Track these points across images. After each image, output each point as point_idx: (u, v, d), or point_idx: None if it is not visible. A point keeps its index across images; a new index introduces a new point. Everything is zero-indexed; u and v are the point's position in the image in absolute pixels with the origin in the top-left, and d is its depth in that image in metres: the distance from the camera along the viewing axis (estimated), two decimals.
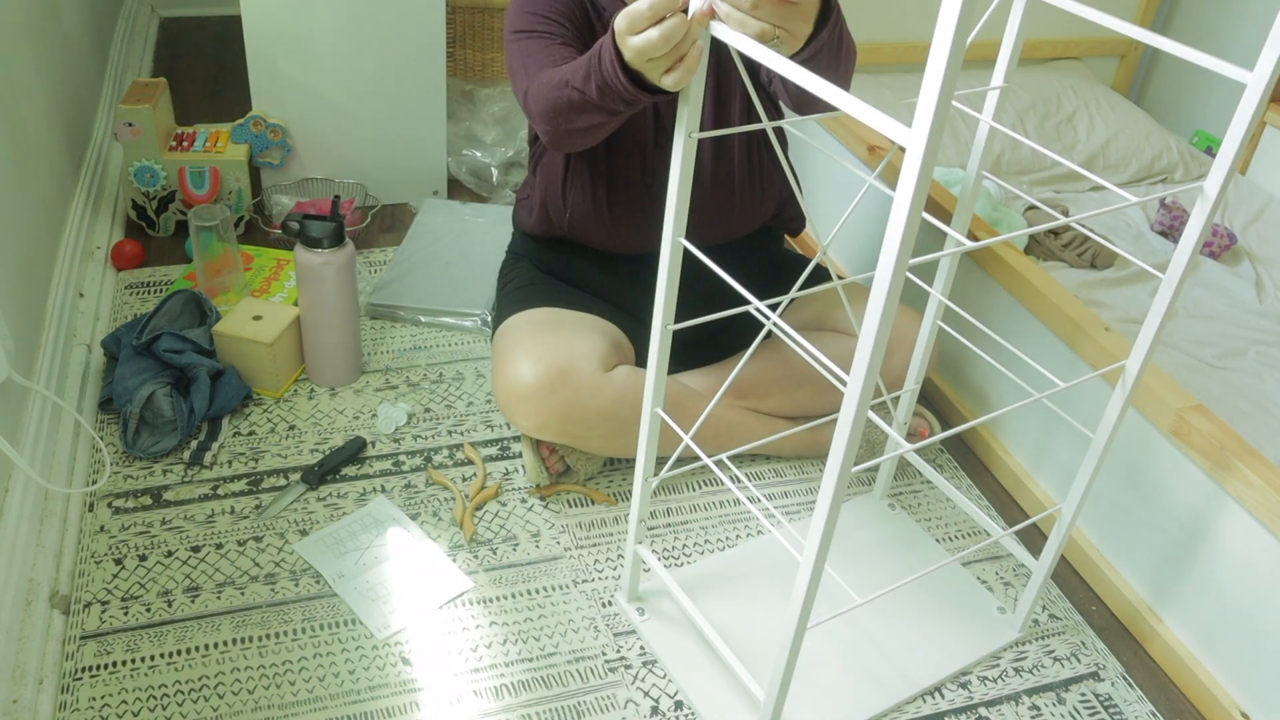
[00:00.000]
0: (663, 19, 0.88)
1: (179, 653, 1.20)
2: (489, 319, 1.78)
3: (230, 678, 1.18)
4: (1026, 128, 2.39)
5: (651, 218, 1.42)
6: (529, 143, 1.54)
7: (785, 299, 1.01)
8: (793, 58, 1.01)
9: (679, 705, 1.20)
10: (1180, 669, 1.28)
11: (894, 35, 2.43)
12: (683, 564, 1.38)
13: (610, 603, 1.32)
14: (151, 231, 1.95)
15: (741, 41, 0.83)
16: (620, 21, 0.93)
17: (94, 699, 1.14)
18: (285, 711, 1.15)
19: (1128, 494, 1.36)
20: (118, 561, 1.30)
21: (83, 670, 1.17)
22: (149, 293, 1.80)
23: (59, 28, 1.94)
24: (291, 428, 1.54)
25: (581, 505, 1.46)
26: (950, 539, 1.47)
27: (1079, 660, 1.31)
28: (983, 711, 1.23)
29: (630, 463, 1.53)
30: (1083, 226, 1.72)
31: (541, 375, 1.35)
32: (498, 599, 1.31)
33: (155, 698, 1.15)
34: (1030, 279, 1.50)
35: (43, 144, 1.68)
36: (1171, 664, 1.30)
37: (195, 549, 1.33)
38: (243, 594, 1.28)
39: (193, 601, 1.26)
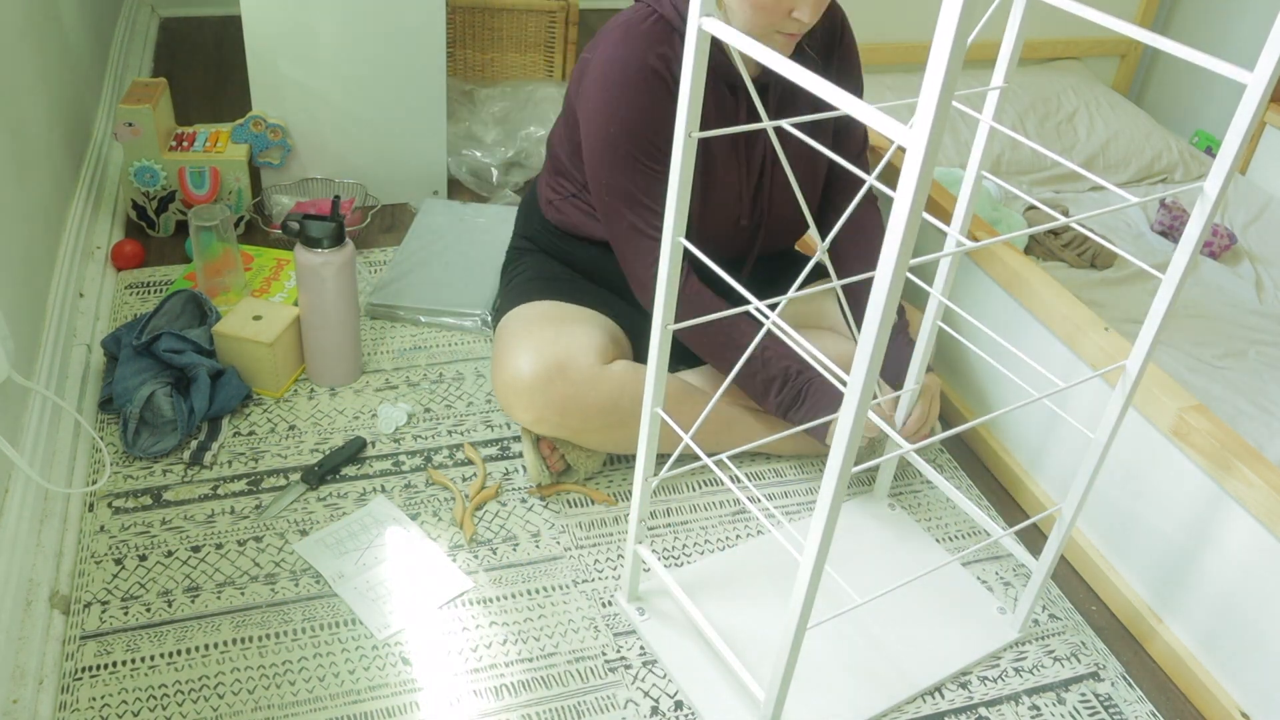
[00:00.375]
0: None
1: (179, 653, 1.20)
2: (489, 319, 1.78)
3: (230, 678, 1.18)
4: (1026, 128, 2.39)
5: (734, 241, 1.49)
6: (564, 155, 1.52)
7: (783, 299, 1.01)
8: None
9: (679, 705, 1.20)
10: (1180, 669, 1.28)
11: (894, 35, 2.43)
12: (682, 564, 1.38)
13: (610, 603, 1.32)
14: (151, 231, 1.95)
15: (745, 43, 0.84)
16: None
17: (94, 699, 1.14)
18: (285, 711, 1.15)
19: (1127, 494, 1.36)
20: (118, 561, 1.30)
21: (83, 670, 1.17)
22: (149, 293, 1.80)
23: (59, 28, 1.94)
24: (291, 428, 1.54)
25: (581, 505, 1.46)
26: (950, 539, 1.47)
27: (1079, 660, 1.31)
28: (983, 711, 1.23)
29: (630, 460, 1.53)
30: (1082, 227, 1.72)
31: (539, 368, 1.36)
32: (498, 599, 1.31)
33: (155, 698, 1.15)
34: (1030, 279, 1.50)
35: (43, 144, 1.68)
36: (1171, 664, 1.30)
37: (195, 549, 1.33)
38: (243, 594, 1.28)
39: (193, 601, 1.26)
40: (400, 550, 1.36)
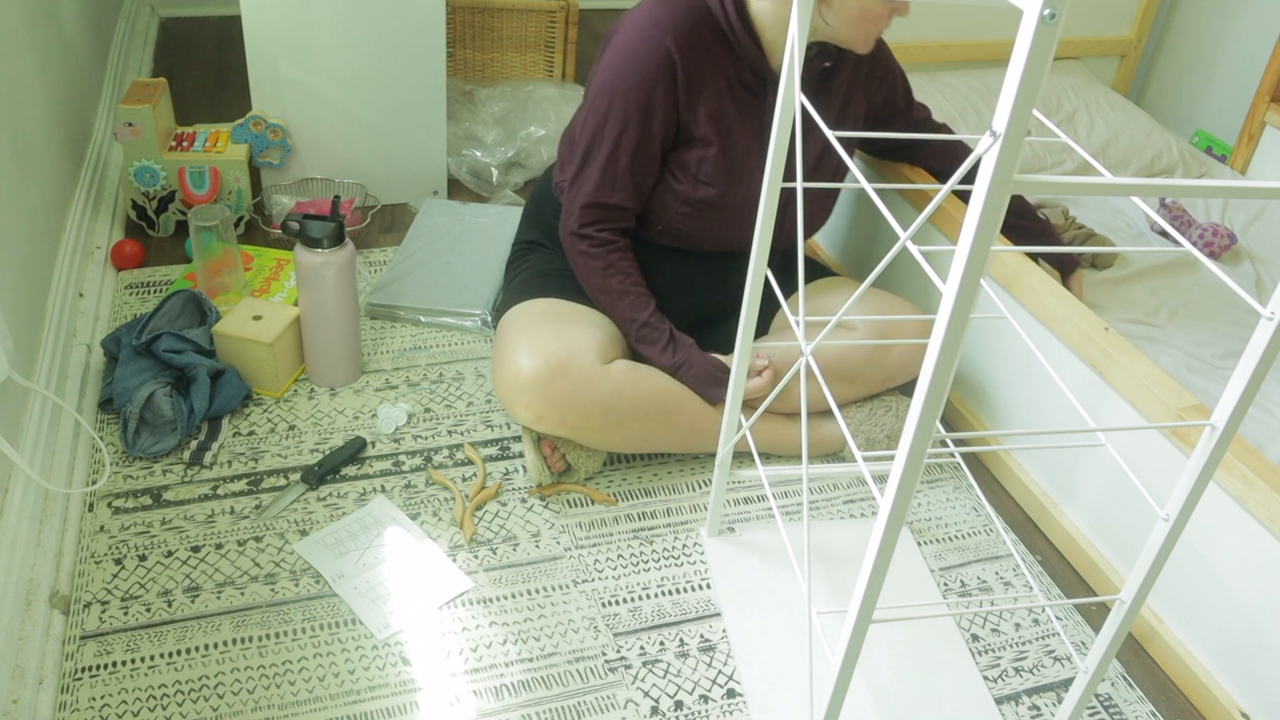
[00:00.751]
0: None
1: (179, 653, 1.20)
2: (489, 319, 1.78)
3: (230, 678, 1.18)
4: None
5: (747, 227, 1.50)
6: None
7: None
8: None
9: (679, 705, 1.20)
10: (1180, 669, 1.28)
11: (895, 36, 2.43)
12: (682, 564, 1.38)
13: (610, 603, 1.32)
14: (151, 231, 1.95)
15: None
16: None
17: (94, 699, 1.14)
18: (285, 711, 1.15)
19: (1127, 494, 1.36)
20: (118, 561, 1.30)
21: (83, 670, 1.17)
22: (149, 293, 1.80)
23: (59, 28, 1.94)
24: (291, 428, 1.54)
25: (581, 505, 1.46)
26: (951, 539, 1.47)
27: (1079, 660, 1.30)
28: None
29: (630, 460, 1.54)
30: (1084, 228, 1.72)
31: (540, 366, 1.36)
32: (498, 599, 1.31)
33: (155, 698, 1.15)
34: (1030, 279, 1.50)
35: (43, 144, 1.68)
36: (1171, 664, 1.30)
37: (195, 549, 1.33)
38: (243, 594, 1.28)
39: (193, 601, 1.26)
40: (400, 550, 1.36)
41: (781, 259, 1.64)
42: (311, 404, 1.59)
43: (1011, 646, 1.31)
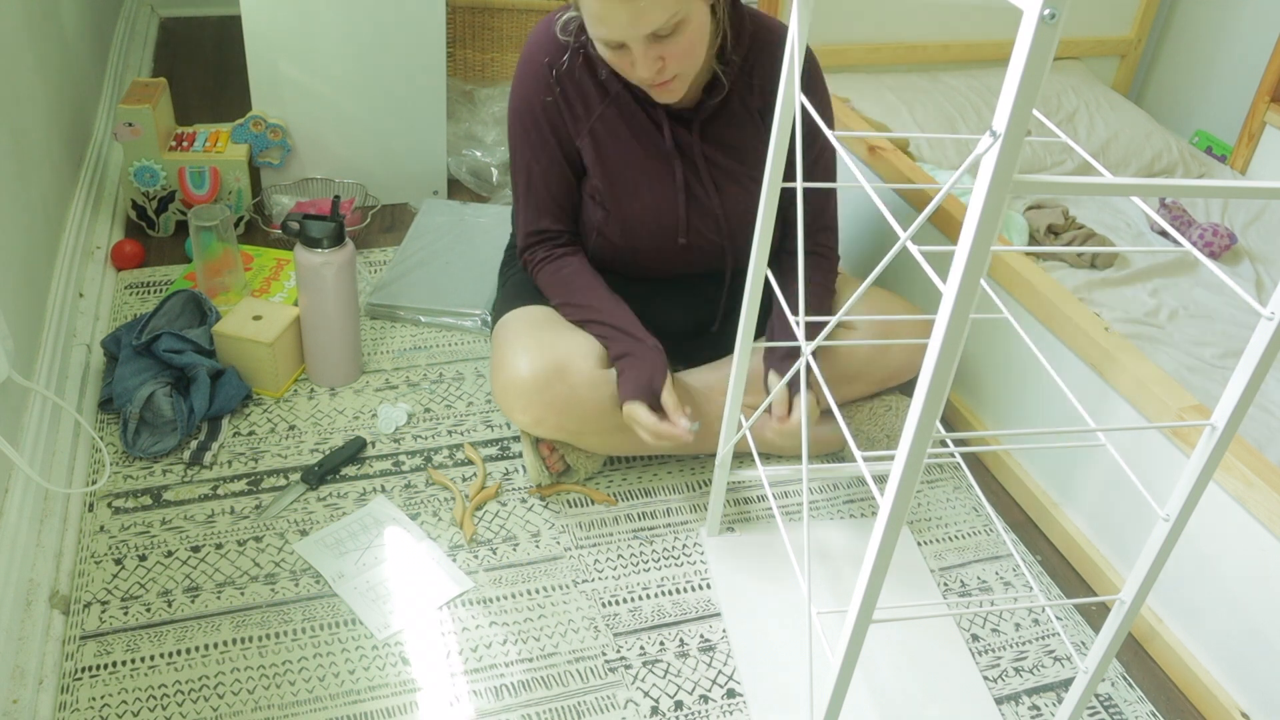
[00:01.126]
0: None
1: (179, 653, 1.20)
2: (489, 319, 1.78)
3: (230, 678, 1.18)
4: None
5: (677, 259, 1.48)
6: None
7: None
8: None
9: (679, 705, 1.20)
10: (1180, 669, 1.28)
11: (895, 36, 2.43)
12: (681, 564, 1.38)
13: (610, 603, 1.32)
14: (151, 231, 1.95)
15: None
16: (629, 412, 1.32)
17: (94, 699, 1.14)
18: (285, 711, 1.15)
19: (1128, 494, 1.36)
20: (118, 561, 1.30)
21: (83, 670, 1.17)
22: (149, 293, 1.80)
23: (59, 28, 1.94)
24: (291, 428, 1.54)
25: (581, 505, 1.46)
26: (951, 539, 1.47)
27: (1079, 660, 1.30)
28: None
29: (630, 461, 1.54)
30: (1084, 228, 1.72)
31: (538, 370, 1.36)
32: (498, 599, 1.31)
33: (155, 698, 1.15)
34: (1030, 279, 1.50)
35: (43, 144, 1.68)
36: (1172, 664, 1.30)
37: (195, 549, 1.33)
38: (243, 594, 1.28)
39: (193, 601, 1.26)
40: (400, 550, 1.36)
41: (732, 281, 1.53)
42: (311, 404, 1.59)
43: (1011, 646, 1.31)
